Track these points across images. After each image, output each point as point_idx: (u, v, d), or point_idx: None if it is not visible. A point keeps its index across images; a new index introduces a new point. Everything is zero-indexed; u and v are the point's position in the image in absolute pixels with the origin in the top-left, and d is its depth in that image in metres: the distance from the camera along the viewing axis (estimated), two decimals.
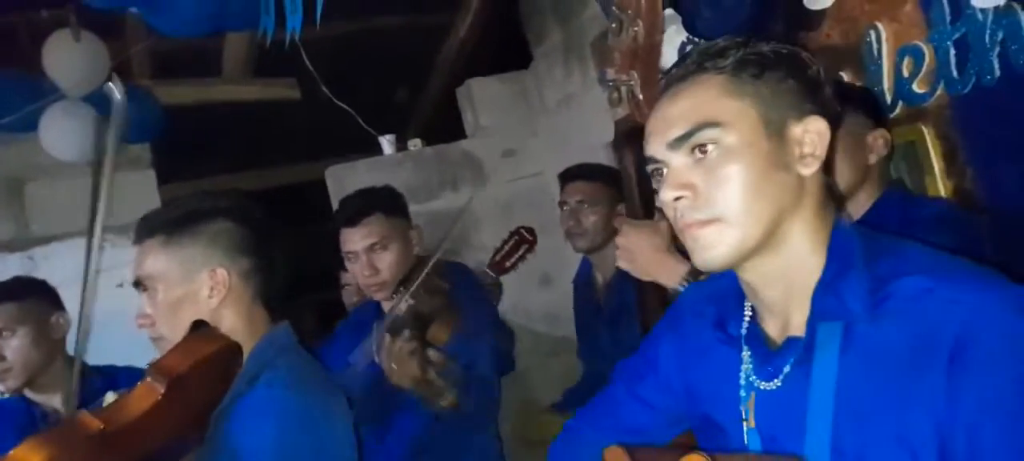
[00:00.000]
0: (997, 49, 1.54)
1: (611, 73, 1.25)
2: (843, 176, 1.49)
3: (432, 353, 1.70)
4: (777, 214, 0.79)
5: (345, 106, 3.32)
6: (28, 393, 1.87)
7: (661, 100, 0.85)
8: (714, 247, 0.79)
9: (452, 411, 1.70)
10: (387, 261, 1.81)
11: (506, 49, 3.78)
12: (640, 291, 1.36)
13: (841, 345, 0.77)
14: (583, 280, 2.41)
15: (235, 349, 1.16)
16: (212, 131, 3.85)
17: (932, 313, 0.72)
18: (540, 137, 3.62)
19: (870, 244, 0.81)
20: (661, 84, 0.87)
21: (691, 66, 0.83)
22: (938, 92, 1.69)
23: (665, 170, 0.83)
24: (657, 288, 1.32)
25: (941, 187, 1.74)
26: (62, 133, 2.68)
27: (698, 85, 0.82)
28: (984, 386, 0.68)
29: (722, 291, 0.91)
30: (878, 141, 1.54)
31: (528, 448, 2.36)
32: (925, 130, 1.74)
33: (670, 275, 1.28)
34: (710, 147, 0.79)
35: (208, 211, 1.22)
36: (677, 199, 0.80)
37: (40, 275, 2.08)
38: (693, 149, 0.80)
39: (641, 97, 1.22)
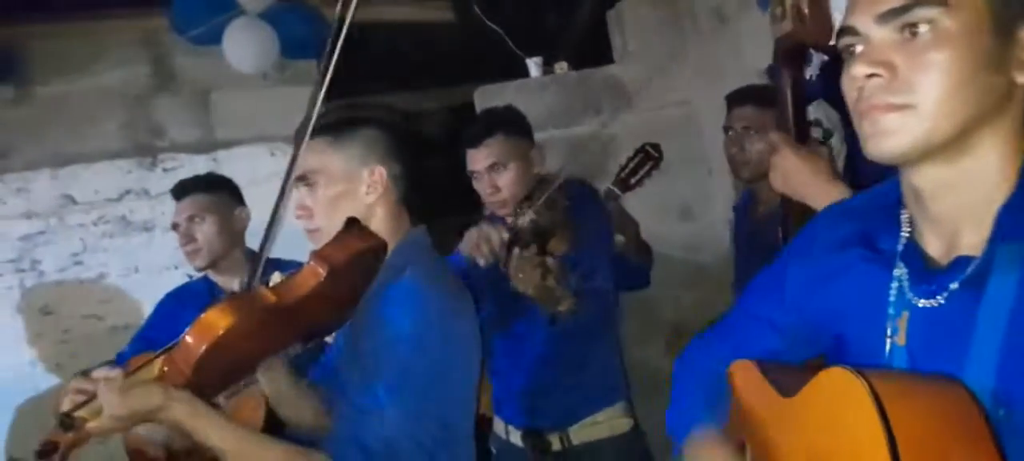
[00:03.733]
0: None
1: None
2: None
3: (551, 261, 1.83)
4: (974, 116, 0.72)
5: (495, 27, 3.37)
6: (211, 274, 2.15)
7: None
8: (895, 134, 0.72)
9: (569, 315, 1.86)
10: (507, 180, 1.93)
11: None
12: (786, 211, 1.31)
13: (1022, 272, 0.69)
14: (743, 207, 2.35)
15: (382, 246, 1.29)
16: (369, 51, 4.04)
17: None
18: (689, 62, 3.50)
19: None
20: None
21: None
22: None
23: (859, 47, 0.75)
24: (806, 210, 1.24)
25: None
26: (242, 47, 2.94)
27: None
28: None
29: (867, 207, 0.86)
30: None
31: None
32: None
33: (826, 200, 1.18)
34: (923, 28, 0.71)
35: (366, 118, 1.36)
36: (871, 76, 0.73)
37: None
38: (904, 27, 0.72)
39: (807, 12, 1.15)
